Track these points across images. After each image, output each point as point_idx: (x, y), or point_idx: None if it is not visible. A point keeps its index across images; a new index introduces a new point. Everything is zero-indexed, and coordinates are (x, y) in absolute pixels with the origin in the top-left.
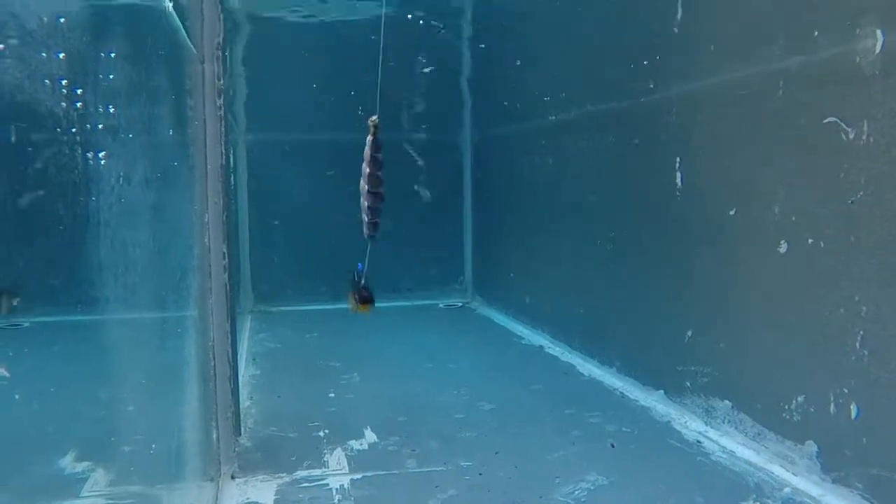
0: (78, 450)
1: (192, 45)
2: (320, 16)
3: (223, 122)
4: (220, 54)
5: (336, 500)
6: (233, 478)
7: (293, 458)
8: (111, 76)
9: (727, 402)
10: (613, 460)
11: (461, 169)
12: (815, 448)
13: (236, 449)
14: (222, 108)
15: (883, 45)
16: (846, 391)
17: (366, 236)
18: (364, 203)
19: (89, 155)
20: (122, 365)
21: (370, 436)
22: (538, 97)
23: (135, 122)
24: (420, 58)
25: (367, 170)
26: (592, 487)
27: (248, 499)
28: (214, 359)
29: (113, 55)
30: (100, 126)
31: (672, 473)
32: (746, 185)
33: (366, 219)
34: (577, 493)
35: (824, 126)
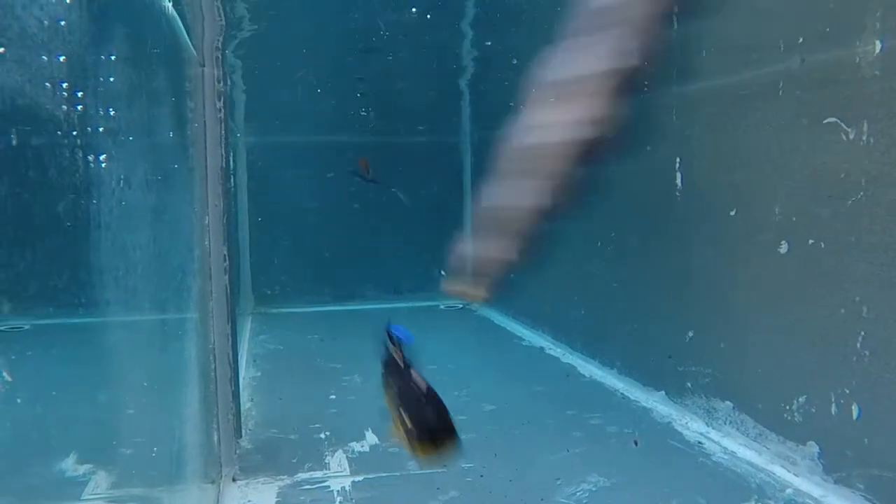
0: (79, 452)
1: (192, 49)
2: (321, 18)
3: (223, 125)
4: (220, 57)
5: (337, 503)
6: (234, 480)
7: (294, 461)
8: (112, 79)
9: (728, 402)
10: (615, 461)
11: (461, 170)
12: (816, 449)
13: (237, 451)
14: (222, 111)
15: (883, 47)
16: (847, 392)
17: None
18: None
19: (90, 157)
20: (123, 367)
21: (371, 437)
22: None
23: (135, 124)
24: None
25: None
26: (594, 489)
27: (249, 501)
28: (215, 361)
29: (114, 58)
30: (101, 129)
31: (673, 474)
32: (747, 185)
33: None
34: (578, 494)
35: (825, 126)
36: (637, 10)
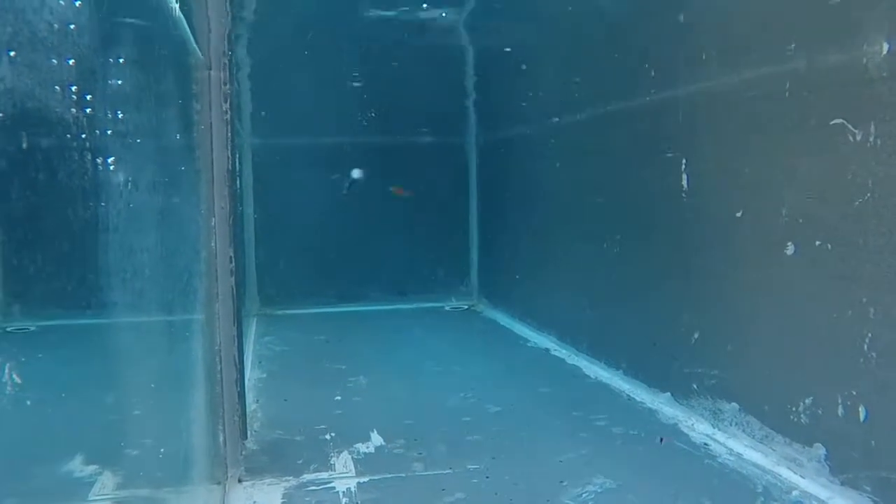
0: (85, 453)
1: (199, 51)
2: (327, 19)
3: (229, 127)
4: (227, 61)
5: None
6: (240, 481)
7: (300, 462)
8: (120, 82)
9: (734, 404)
10: (621, 463)
11: (467, 171)
12: (823, 450)
13: (243, 452)
14: (228, 113)
15: (890, 48)
16: (854, 393)
17: None
18: None
19: (98, 160)
20: (129, 369)
21: (377, 439)
22: (543, 99)
23: (143, 127)
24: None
25: None
26: (600, 490)
27: (254, 502)
28: (221, 362)
29: (122, 60)
30: (109, 131)
31: (680, 476)
32: (753, 187)
33: None
34: (584, 496)
35: (831, 128)
36: None
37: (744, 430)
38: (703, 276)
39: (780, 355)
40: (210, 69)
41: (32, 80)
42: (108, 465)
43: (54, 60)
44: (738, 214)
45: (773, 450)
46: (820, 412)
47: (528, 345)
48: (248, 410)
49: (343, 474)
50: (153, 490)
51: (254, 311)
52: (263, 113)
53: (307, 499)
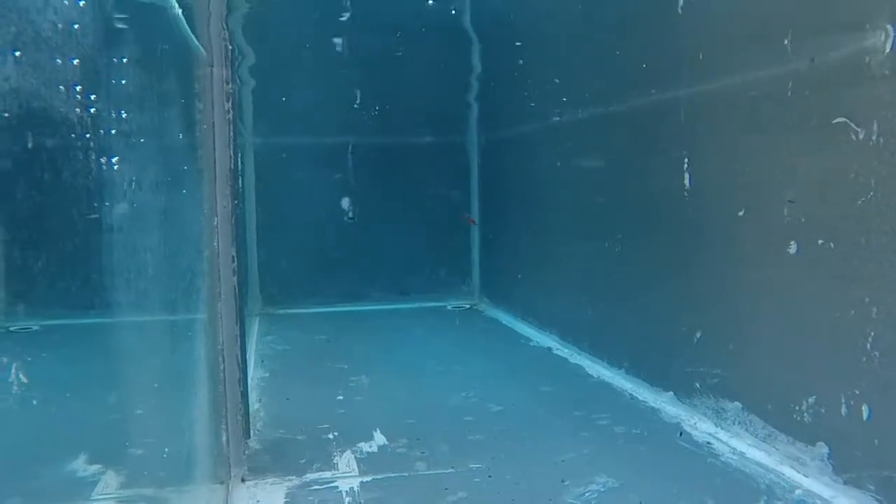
0: (88, 453)
1: (201, 49)
2: (329, 18)
3: (232, 126)
4: (229, 58)
5: (346, 503)
6: (242, 480)
7: (302, 461)
8: (123, 81)
9: (737, 403)
10: (623, 462)
11: (468, 170)
12: (826, 449)
13: (246, 452)
14: (231, 112)
15: (893, 45)
16: (857, 392)
17: None
18: None
19: (102, 160)
20: (133, 368)
21: (379, 438)
22: (545, 98)
23: (146, 126)
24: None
25: None
26: (602, 490)
27: (258, 501)
28: (224, 362)
29: (125, 60)
30: (112, 131)
31: (682, 475)
32: (755, 186)
33: None
34: (586, 495)
35: (834, 126)
36: None
37: (747, 429)
38: (706, 275)
39: (783, 354)
40: (212, 66)
41: (37, 79)
42: (111, 464)
43: (58, 60)
44: (741, 213)
45: (777, 449)
46: (823, 411)
47: (530, 344)
48: (250, 410)
49: (346, 473)
50: (156, 489)
51: (256, 310)
52: (265, 112)
53: (310, 498)
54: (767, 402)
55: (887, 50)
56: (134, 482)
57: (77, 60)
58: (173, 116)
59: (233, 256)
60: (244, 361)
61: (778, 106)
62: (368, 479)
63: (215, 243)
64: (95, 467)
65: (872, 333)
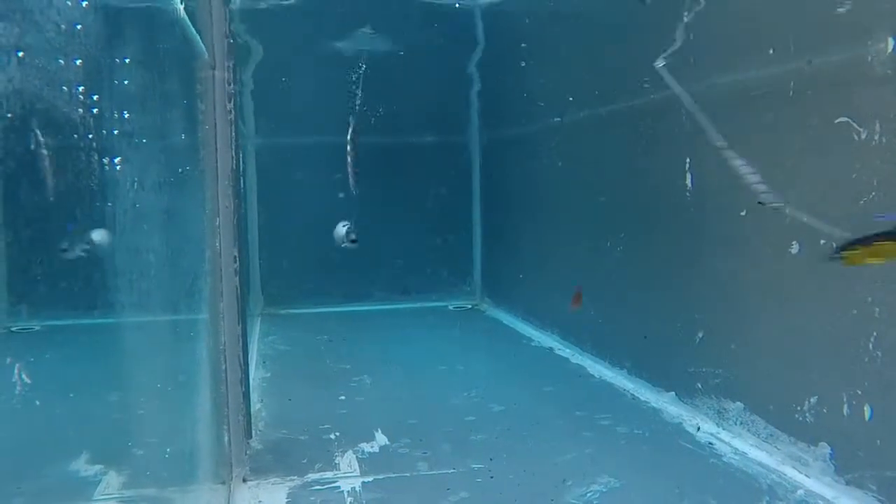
0: (91, 452)
1: (204, 51)
2: (331, 18)
3: (233, 127)
4: (230, 61)
5: (347, 503)
6: (244, 481)
7: (304, 461)
8: (126, 82)
9: (739, 403)
10: (625, 462)
11: (470, 170)
12: (828, 450)
13: (247, 452)
14: (232, 113)
15: (895, 45)
16: (860, 392)
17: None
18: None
19: (105, 160)
20: (134, 368)
21: (381, 438)
22: (547, 98)
23: (149, 127)
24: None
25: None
26: (604, 490)
27: (259, 501)
28: (226, 362)
29: (128, 61)
30: (115, 131)
31: (684, 475)
32: (758, 186)
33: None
34: (588, 495)
35: (836, 126)
36: None
37: (749, 430)
38: (707, 276)
39: (785, 354)
40: (214, 69)
41: (39, 80)
42: (114, 464)
43: (61, 60)
44: (743, 213)
45: (778, 449)
46: (825, 411)
47: (532, 344)
48: (252, 410)
49: (348, 474)
50: (158, 489)
51: (258, 310)
52: (266, 112)
53: (312, 498)
54: (769, 402)
55: (890, 50)
56: (136, 482)
57: (80, 61)
58: (177, 117)
59: (235, 256)
60: (246, 361)
61: (780, 106)
62: (370, 479)
63: (217, 243)
64: (97, 467)
65: (875, 333)
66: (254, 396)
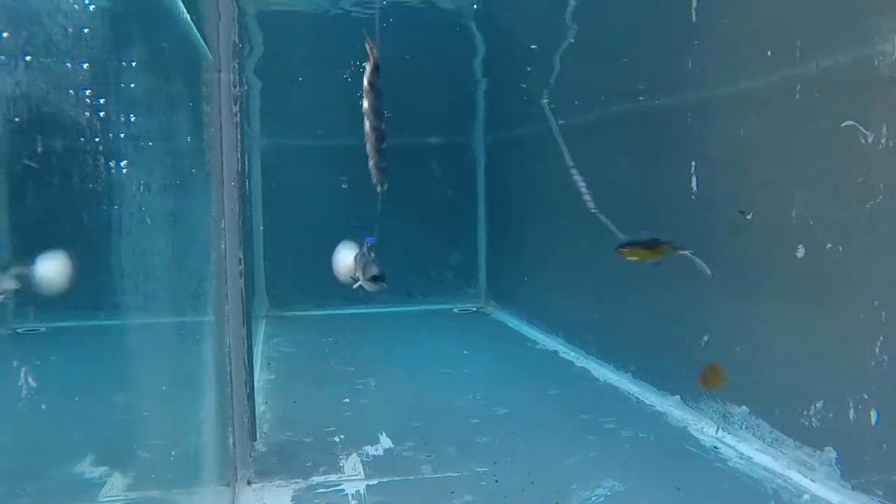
0: (95, 454)
1: (209, 54)
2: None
3: (239, 129)
4: (236, 63)
5: None
6: (249, 483)
7: (309, 464)
8: (132, 85)
9: (744, 407)
10: (630, 466)
11: (474, 172)
12: (834, 454)
13: (252, 454)
14: (238, 115)
15: None
16: (866, 397)
17: (374, 183)
18: (368, 144)
19: (111, 163)
20: (139, 370)
21: (385, 441)
22: (552, 100)
23: (155, 130)
24: None
25: (367, 103)
26: (609, 493)
27: None
28: (230, 364)
29: (134, 64)
30: (121, 135)
31: (689, 479)
32: (763, 189)
33: (371, 162)
34: (593, 499)
35: (842, 130)
36: None
37: (754, 434)
38: (713, 279)
39: (791, 358)
40: (219, 71)
41: (47, 84)
42: (119, 465)
43: (68, 64)
44: (748, 217)
45: (784, 453)
46: (831, 415)
47: (537, 347)
48: (257, 412)
49: (352, 476)
50: (163, 491)
51: (262, 312)
52: (272, 114)
53: (316, 501)
54: (775, 406)
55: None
56: (140, 484)
57: (87, 65)
58: (182, 120)
59: (240, 259)
60: (251, 364)
61: (786, 109)
62: (374, 482)
63: (222, 246)
64: (102, 469)
65: (881, 337)
66: (258, 398)
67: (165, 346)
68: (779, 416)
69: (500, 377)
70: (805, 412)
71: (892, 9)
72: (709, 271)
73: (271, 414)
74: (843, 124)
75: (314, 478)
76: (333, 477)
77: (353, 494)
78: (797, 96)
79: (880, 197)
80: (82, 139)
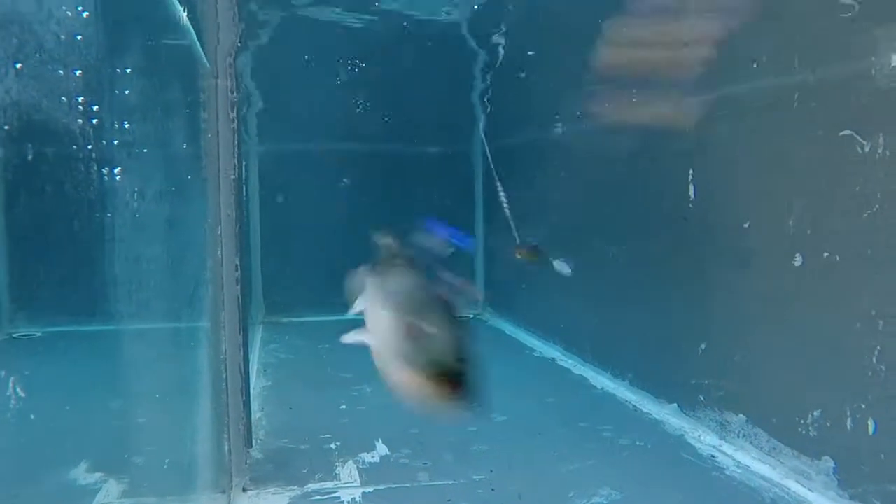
0: (90, 460)
1: (206, 60)
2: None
3: (236, 135)
4: (233, 69)
5: None
6: (244, 490)
7: (305, 471)
8: (127, 91)
9: (742, 416)
10: (627, 474)
11: (473, 180)
12: (831, 464)
13: (248, 461)
14: (235, 121)
15: None
16: (863, 406)
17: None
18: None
19: (105, 170)
20: (134, 376)
21: (382, 448)
22: (550, 109)
23: (150, 136)
24: None
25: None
26: (606, 502)
27: None
28: (226, 370)
29: (129, 71)
30: (116, 141)
31: (686, 488)
32: (761, 197)
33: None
34: None
35: (840, 139)
36: None
37: (751, 443)
38: (710, 287)
39: (788, 367)
40: (217, 78)
41: (39, 91)
42: (113, 472)
43: (61, 71)
44: (746, 225)
45: (781, 462)
46: (828, 425)
47: (534, 354)
48: (253, 419)
49: (348, 484)
50: (158, 498)
51: (259, 318)
52: (270, 119)
53: None
54: (772, 415)
55: (894, 63)
56: (135, 490)
57: (80, 71)
58: (179, 126)
59: (236, 265)
60: (247, 370)
61: (784, 118)
62: (370, 489)
63: (219, 252)
64: (97, 475)
65: (879, 347)
66: (254, 405)
67: (161, 353)
68: (776, 425)
69: (498, 384)
70: (803, 421)
71: (892, 19)
72: (569, 271)
73: (267, 420)
74: (840, 134)
75: (310, 485)
76: (329, 484)
77: (348, 502)
78: (795, 105)
79: (877, 206)
80: (75, 146)
